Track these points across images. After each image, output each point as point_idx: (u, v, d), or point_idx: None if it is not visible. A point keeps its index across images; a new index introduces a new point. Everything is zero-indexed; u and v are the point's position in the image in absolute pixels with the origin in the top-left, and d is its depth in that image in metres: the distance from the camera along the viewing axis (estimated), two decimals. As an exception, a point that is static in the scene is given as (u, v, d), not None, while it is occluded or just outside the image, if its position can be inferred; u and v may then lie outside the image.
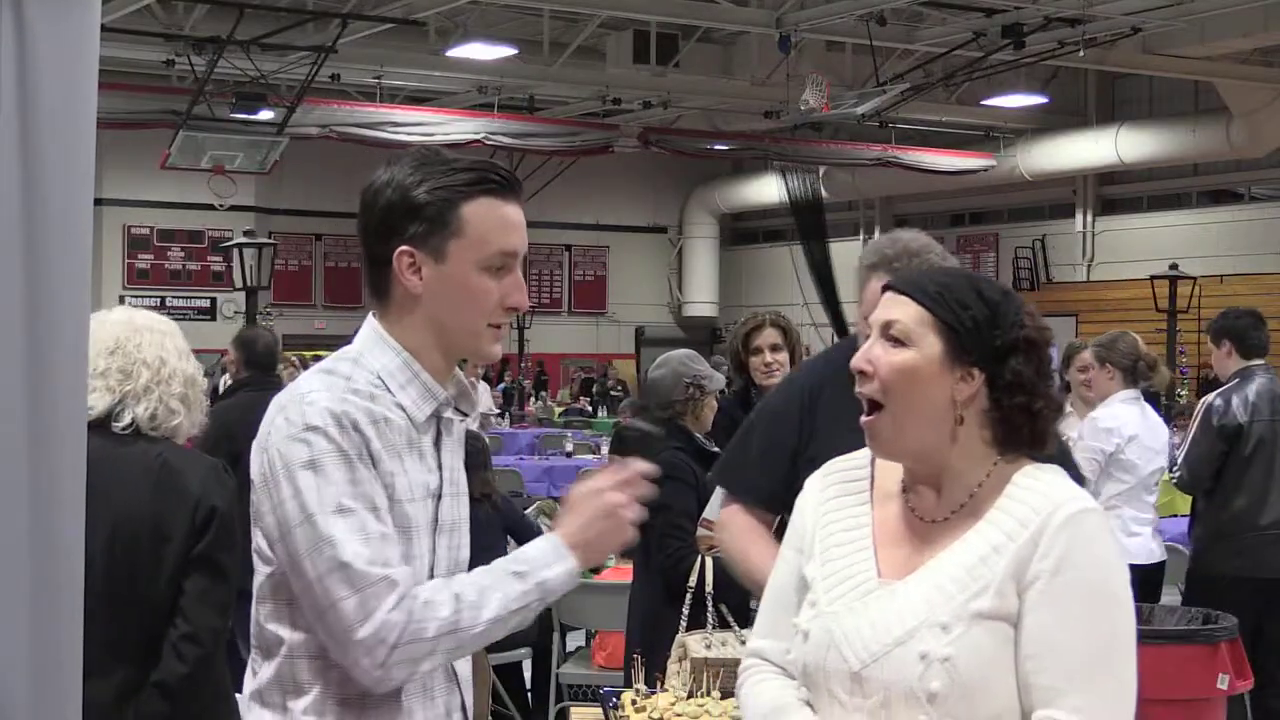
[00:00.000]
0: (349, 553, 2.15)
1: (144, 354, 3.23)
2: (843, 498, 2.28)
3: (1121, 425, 6.45)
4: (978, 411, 2.16)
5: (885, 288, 2.25)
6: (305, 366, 10.13)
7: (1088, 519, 2.10)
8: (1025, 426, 2.16)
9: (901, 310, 2.18)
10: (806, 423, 3.35)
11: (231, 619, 3.28)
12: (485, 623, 2.21)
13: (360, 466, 2.19)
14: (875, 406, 2.18)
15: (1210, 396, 6.51)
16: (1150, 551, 6.47)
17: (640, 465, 2.33)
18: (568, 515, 2.32)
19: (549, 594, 2.27)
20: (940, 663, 2.06)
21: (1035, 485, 2.15)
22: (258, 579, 2.29)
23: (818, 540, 2.26)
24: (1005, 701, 2.06)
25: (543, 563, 2.26)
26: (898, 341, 2.16)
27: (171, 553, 3.15)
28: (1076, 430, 6.82)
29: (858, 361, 2.19)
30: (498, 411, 17.76)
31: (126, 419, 3.19)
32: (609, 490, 2.30)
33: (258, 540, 2.28)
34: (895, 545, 2.20)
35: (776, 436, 3.38)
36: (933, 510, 2.20)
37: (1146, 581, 6.37)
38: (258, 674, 2.30)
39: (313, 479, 2.17)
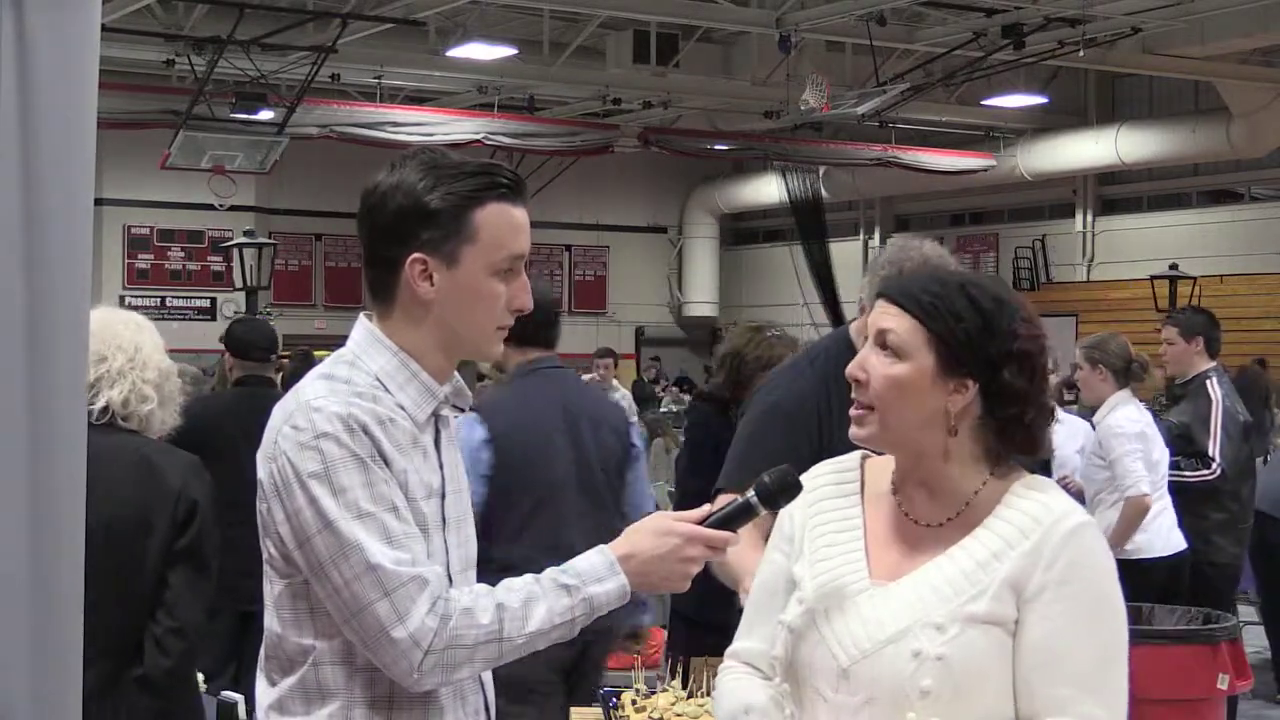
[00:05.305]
0: (376, 555, 2.14)
1: (119, 340, 3.22)
2: (832, 499, 2.29)
3: (1144, 426, 6.48)
4: (971, 420, 2.18)
5: (879, 295, 2.24)
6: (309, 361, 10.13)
7: (1087, 531, 2.14)
8: (1018, 434, 2.19)
9: (895, 321, 2.18)
10: (826, 421, 3.32)
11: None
12: (528, 635, 2.19)
13: (375, 469, 2.19)
14: (867, 408, 2.19)
15: (1217, 396, 6.62)
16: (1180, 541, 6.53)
17: (731, 536, 2.28)
18: (634, 538, 2.27)
19: (597, 610, 2.24)
20: (934, 661, 2.08)
21: (1034, 496, 2.17)
22: (272, 590, 2.28)
23: (807, 540, 2.26)
24: (994, 703, 2.09)
25: (593, 577, 2.23)
26: (892, 353, 2.17)
27: (154, 546, 3.14)
28: (1077, 443, 6.85)
29: (853, 369, 2.20)
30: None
31: (100, 404, 3.17)
32: (690, 540, 2.25)
33: (270, 550, 2.26)
34: (887, 548, 2.22)
35: (793, 438, 3.33)
36: (926, 514, 2.21)
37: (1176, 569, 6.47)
38: (276, 684, 2.28)
39: (328, 486, 2.16)
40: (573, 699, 4.52)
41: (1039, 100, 20.14)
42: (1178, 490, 6.59)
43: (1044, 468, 5.51)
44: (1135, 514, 6.26)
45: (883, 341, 2.18)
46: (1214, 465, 6.62)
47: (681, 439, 14.40)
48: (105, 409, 3.18)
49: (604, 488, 4.79)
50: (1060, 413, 7.45)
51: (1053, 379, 7.26)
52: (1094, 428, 6.78)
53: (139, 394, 3.22)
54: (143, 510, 3.14)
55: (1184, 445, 6.70)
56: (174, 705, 3.18)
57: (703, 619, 4.53)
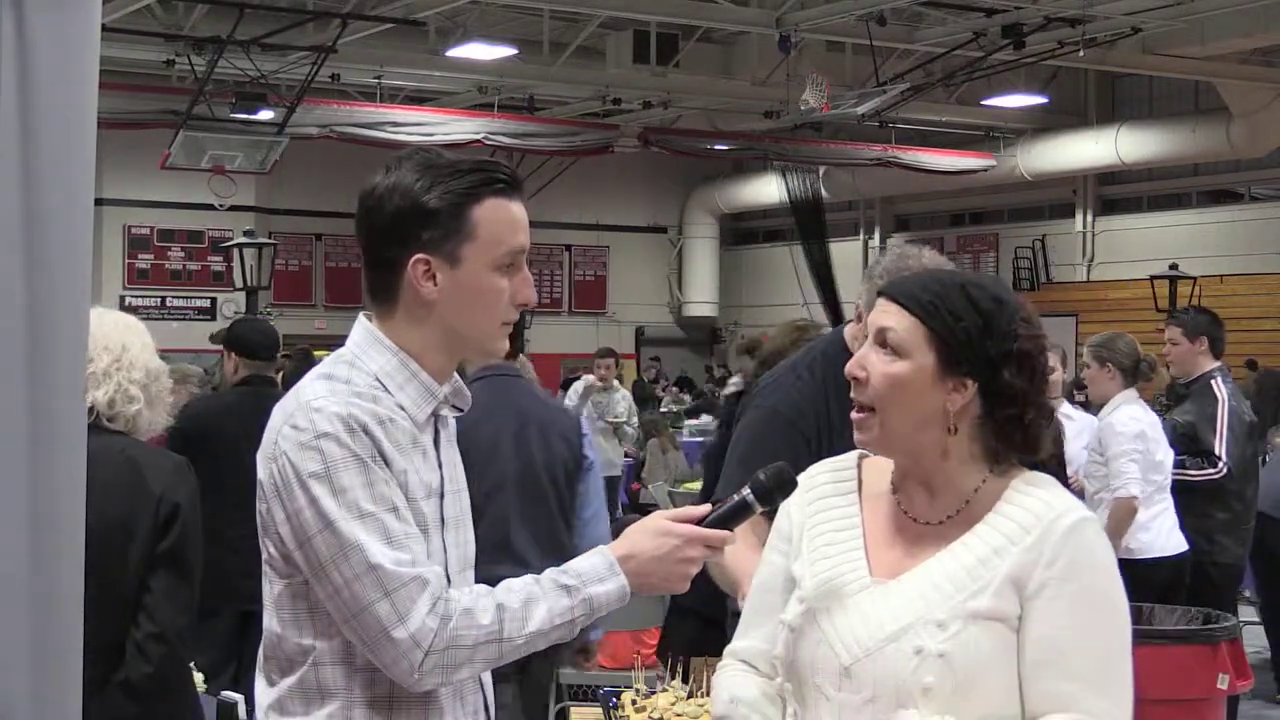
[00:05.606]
0: (377, 555, 2.14)
1: (106, 340, 3.17)
2: (831, 498, 2.29)
3: (1146, 427, 6.46)
4: (971, 420, 2.18)
5: (880, 294, 2.25)
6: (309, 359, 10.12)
7: (1089, 527, 2.15)
8: (1017, 435, 2.19)
9: (895, 320, 2.19)
10: (825, 426, 3.33)
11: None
12: (527, 635, 2.19)
13: (375, 469, 2.19)
14: (868, 409, 2.20)
15: (1223, 395, 6.65)
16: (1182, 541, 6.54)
17: (729, 535, 2.28)
18: (633, 538, 2.27)
19: (596, 610, 2.24)
20: (936, 658, 2.08)
21: (1034, 492, 2.18)
22: (271, 590, 2.28)
23: (805, 539, 2.27)
24: (998, 700, 2.09)
25: (594, 577, 2.23)
26: (892, 351, 2.18)
27: (135, 550, 3.10)
28: (1084, 439, 6.83)
29: (852, 368, 2.21)
30: None
31: (85, 404, 3.14)
32: (689, 540, 2.25)
33: (269, 551, 2.26)
34: (887, 546, 2.22)
35: (792, 442, 3.33)
36: (925, 512, 2.21)
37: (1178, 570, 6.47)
38: (275, 684, 2.28)
39: (329, 486, 2.16)
40: (524, 685, 4.75)
41: (1039, 100, 20.14)
42: (1182, 490, 6.59)
43: (1058, 464, 5.44)
44: (1124, 515, 6.27)
45: (883, 340, 2.19)
46: (1220, 464, 6.62)
47: (679, 439, 14.43)
48: (90, 409, 3.14)
49: (550, 493, 4.92)
50: (1070, 409, 7.43)
51: (1062, 378, 7.24)
52: (1102, 427, 6.81)
53: (125, 394, 3.19)
54: (126, 512, 3.11)
55: (1189, 444, 6.70)
56: (161, 709, 3.15)
57: (711, 613, 4.56)
